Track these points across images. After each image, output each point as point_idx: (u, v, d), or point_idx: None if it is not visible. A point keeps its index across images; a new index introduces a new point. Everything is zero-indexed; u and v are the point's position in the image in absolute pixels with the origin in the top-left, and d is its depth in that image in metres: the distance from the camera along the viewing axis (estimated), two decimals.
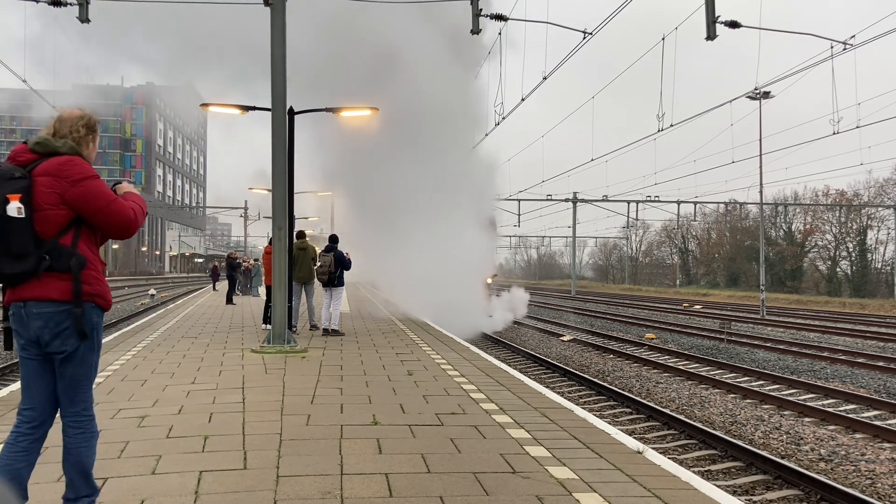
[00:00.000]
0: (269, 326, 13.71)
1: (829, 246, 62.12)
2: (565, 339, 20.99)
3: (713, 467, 7.77)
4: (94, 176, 3.25)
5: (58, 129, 3.34)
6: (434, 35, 19.24)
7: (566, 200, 56.47)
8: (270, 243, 12.54)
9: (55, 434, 3.41)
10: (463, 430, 5.70)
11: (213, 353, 10.18)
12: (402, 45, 19.18)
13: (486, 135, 24.83)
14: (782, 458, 8.05)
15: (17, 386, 6.84)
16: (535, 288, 66.73)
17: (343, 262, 13.45)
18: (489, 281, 23.54)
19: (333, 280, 13.33)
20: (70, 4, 11.63)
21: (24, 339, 3.23)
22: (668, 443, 8.89)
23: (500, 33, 19.13)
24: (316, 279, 14.07)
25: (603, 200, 53.82)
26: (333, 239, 13.89)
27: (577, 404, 9.54)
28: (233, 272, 25.81)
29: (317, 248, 14.90)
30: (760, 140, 32.10)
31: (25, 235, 3.11)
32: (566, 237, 77.45)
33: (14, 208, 3.10)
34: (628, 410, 10.78)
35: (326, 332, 13.13)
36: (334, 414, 6.21)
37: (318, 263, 13.61)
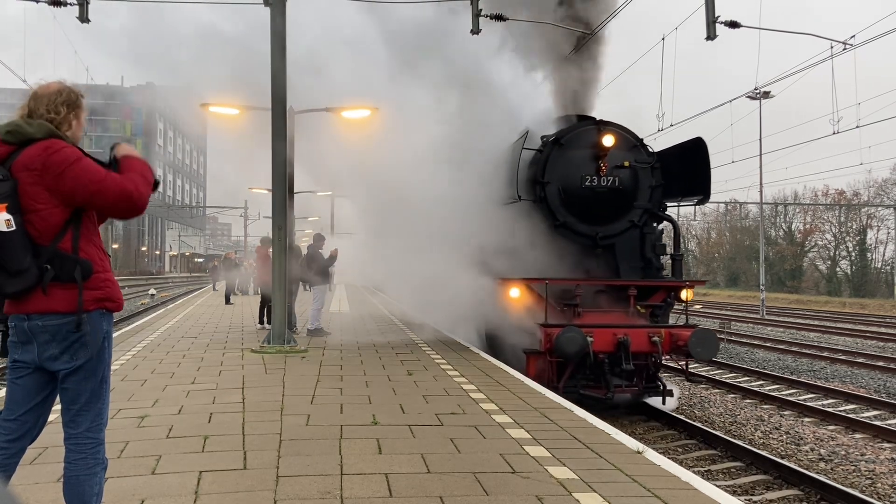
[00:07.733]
0: (263, 326, 13.77)
1: (829, 246, 62.09)
2: None
3: (713, 467, 7.77)
4: (79, 158, 2.79)
5: (33, 110, 2.88)
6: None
7: None
8: (262, 244, 12.68)
9: (54, 432, 3.31)
10: (463, 430, 5.69)
11: (212, 353, 10.18)
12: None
13: None
14: (782, 458, 8.05)
15: None
16: None
17: (316, 261, 13.57)
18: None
19: (307, 279, 13.54)
20: (70, 4, 11.60)
21: (21, 352, 2.87)
22: (668, 443, 8.88)
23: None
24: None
25: None
26: (315, 238, 14.12)
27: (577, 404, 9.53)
28: (229, 272, 25.93)
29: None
30: (760, 140, 32.14)
31: (21, 248, 2.70)
32: None
33: (2, 221, 2.66)
34: (628, 410, 10.77)
35: (309, 332, 12.92)
36: (334, 414, 6.21)
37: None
